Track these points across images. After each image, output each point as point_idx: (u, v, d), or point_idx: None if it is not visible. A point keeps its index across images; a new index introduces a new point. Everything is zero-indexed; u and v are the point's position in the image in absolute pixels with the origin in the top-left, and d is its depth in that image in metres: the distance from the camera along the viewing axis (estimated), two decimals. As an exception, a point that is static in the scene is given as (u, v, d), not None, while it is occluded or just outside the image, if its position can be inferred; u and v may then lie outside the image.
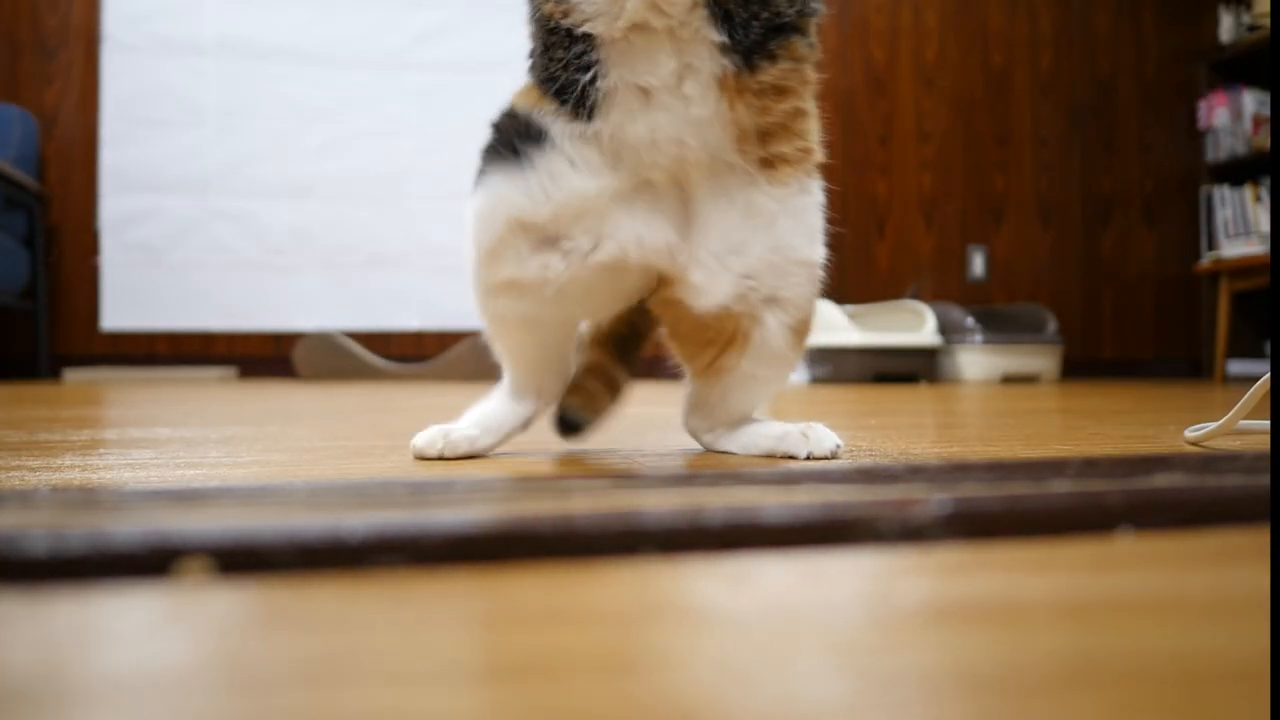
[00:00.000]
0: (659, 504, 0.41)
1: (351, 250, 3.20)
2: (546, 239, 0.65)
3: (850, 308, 3.12)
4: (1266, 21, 3.48)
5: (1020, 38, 3.68)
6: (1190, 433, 0.78)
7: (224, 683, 0.23)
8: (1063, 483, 0.48)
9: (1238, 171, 3.64)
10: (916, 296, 3.39)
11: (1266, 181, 3.48)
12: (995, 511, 0.41)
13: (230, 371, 3.15)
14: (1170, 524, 0.41)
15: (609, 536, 0.36)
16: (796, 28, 0.63)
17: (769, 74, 0.62)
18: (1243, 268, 3.06)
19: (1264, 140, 3.46)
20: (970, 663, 0.24)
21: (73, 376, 2.96)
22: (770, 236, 0.65)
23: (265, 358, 3.18)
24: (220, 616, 0.28)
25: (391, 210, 3.21)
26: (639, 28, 0.60)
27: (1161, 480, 0.48)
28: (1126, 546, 0.38)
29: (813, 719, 0.20)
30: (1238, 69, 3.68)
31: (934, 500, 0.40)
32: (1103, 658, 0.24)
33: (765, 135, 0.64)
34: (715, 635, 0.26)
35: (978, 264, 3.63)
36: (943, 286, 3.58)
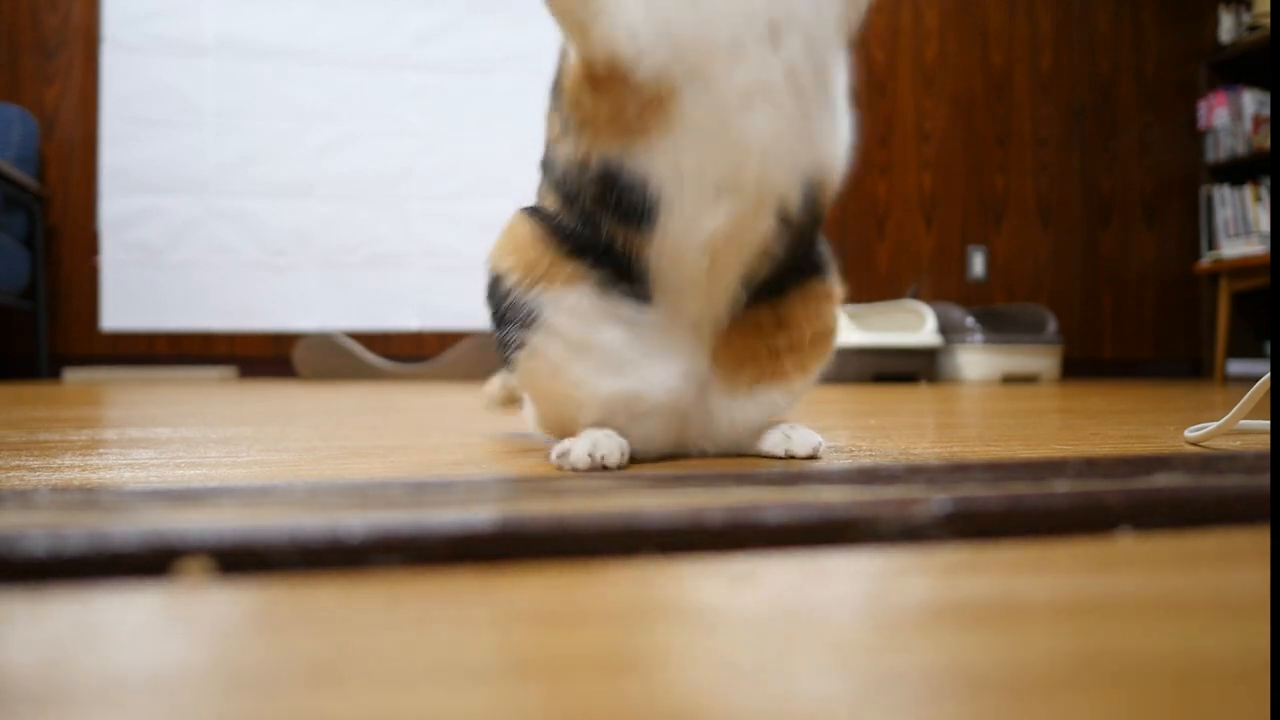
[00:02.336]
0: (659, 504, 0.41)
1: (351, 250, 3.20)
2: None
3: (850, 308, 3.12)
4: (1266, 21, 3.48)
5: (1020, 38, 3.68)
6: (1190, 433, 0.78)
7: (224, 683, 0.23)
8: (1063, 483, 0.48)
9: (1238, 171, 3.64)
10: (916, 296, 3.39)
11: (1266, 181, 3.48)
12: (995, 511, 0.41)
13: (230, 371, 3.15)
14: (1170, 524, 0.41)
15: (609, 536, 0.36)
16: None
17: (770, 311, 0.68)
18: (1243, 268, 3.06)
19: (1264, 140, 3.46)
20: (970, 663, 0.24)
21: (73, 376, 2.97)
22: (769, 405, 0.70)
23: (265, 358, 3.18)
24: (220, 616, 0.28)
25: (391, 210, 3.22)
26: (693, 280, 0.64)
27: (1161, 480, 0.48)
28: (1126, 546, 0.38)
29: (813, 719, 0.20)
30: (1238, 69, 3.68)
31: (934, 500, 0.40)
32: (1103, 658, 0.24)
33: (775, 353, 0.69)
34: (715, 635, 0.26)
35: (978, 264, 3.63)
36: (943, 286, 3.59)
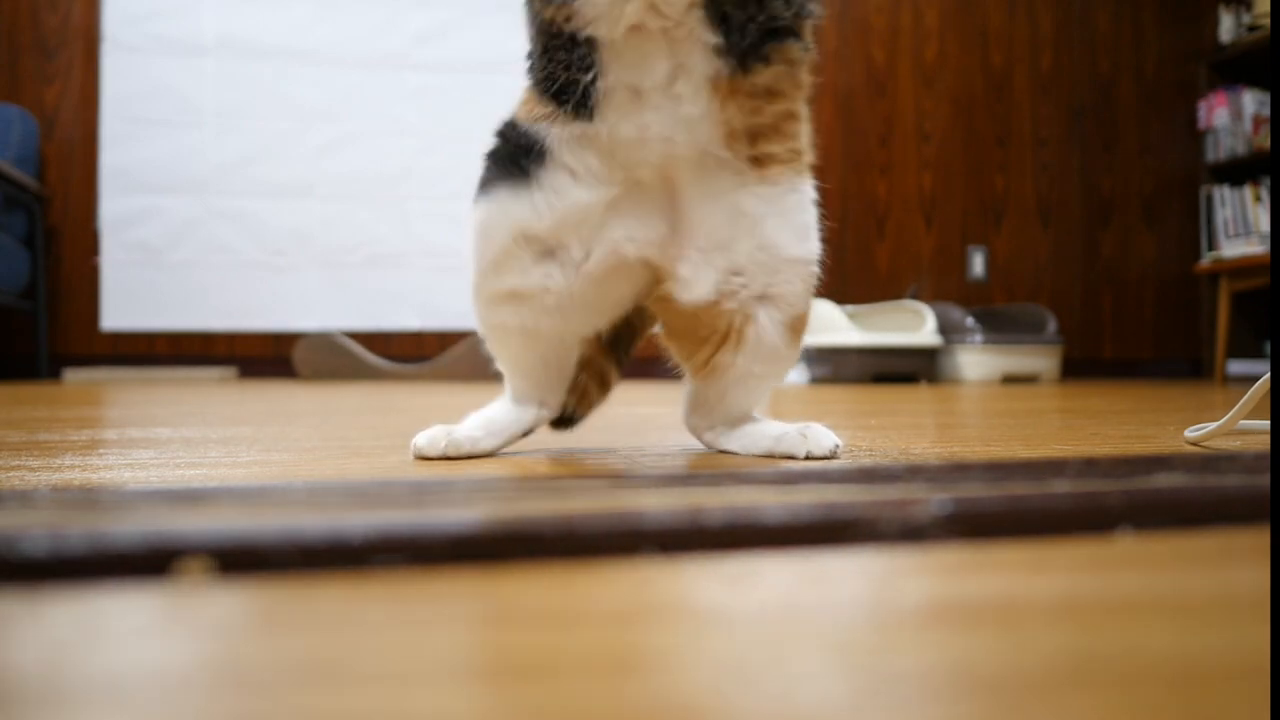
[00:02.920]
0: (659, 504, 0.41)
1: (351, 250, 3.20)
2: (547, 250, 0.66)
3: (850, 308, 3.12)
4: (1266, 21, 3.48)
5: (1020, 38, 3.68)
6: (1190, 433, 0.78)
7: (224, 683, 0.23)
8: (1063, 483, 0.48)
9: (1238, 171, 3.64)
10: (916, 296, 3.39)
11: (1266, 181, 3.48)
12: (995, 511, 0.41)
13: (230, 371, 3.15)
14: (1170, 524, 0.41)
15: (609, 536, 0.36)
16: (792, 31, 0.63)
17: (762, 76, 0.63)
18: (1243, 268, 3.06)
19: (1264, 140, 3.46)
20: (970, 663, 0.24)
21: (73, 376, 2.97)
22: (758, 234, 0.66)
23: (265, 358, 3.18)
24: (220, 616, 0.28)
25: (391, 210, 3.22)
26: (636, 29, 0.60)
27: (1161, 480, 0.48)
28: (1126, 546, 0.38)
29: (813, 719, 0.20)
30: (1238, 69, 3.68)
31: (934, 500, 0.40)
32: (1103, 658, 0.24)
33: (755, 135, 0.64)
34: (715, 635, 0.26)
35: (978, 264, 3.63)
36: (943, 286, 3.59)
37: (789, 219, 0.66)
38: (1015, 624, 0.27)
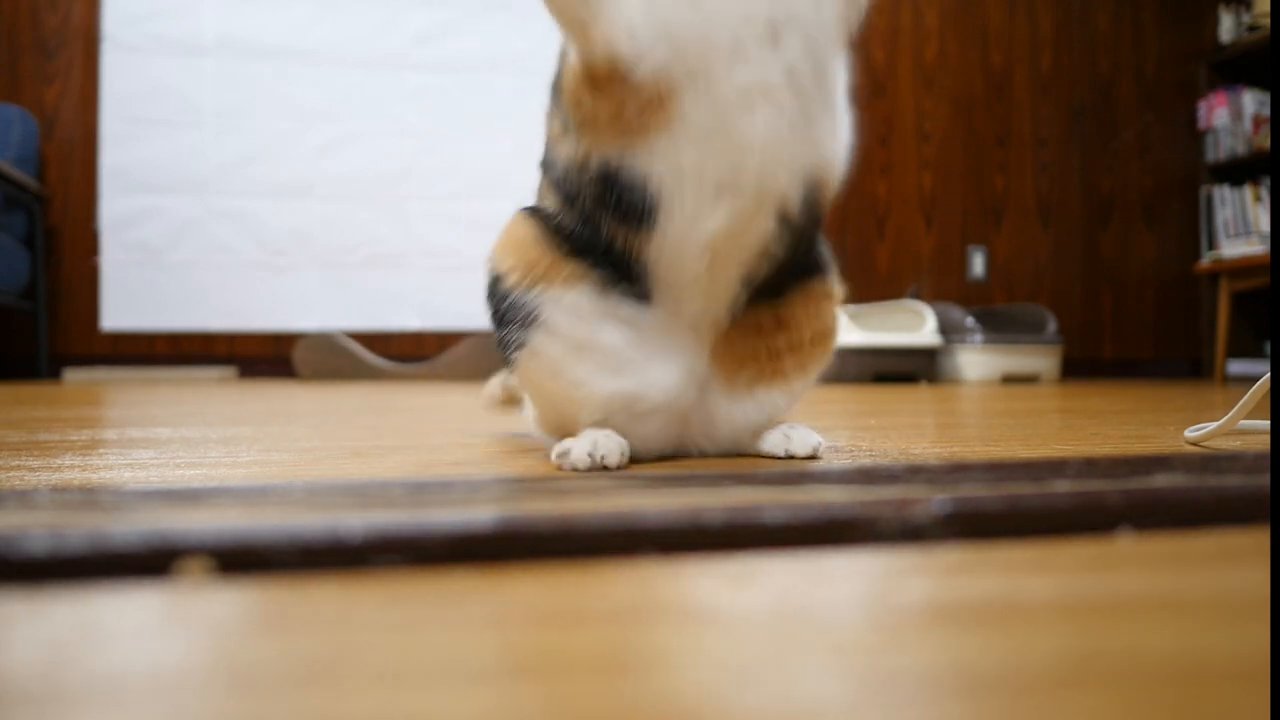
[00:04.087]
0: (659, 504, 0.41)
1: (351, 250, 3.20)
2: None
3: (850, 308, 3.12)
4: (1266, 21, 3.48)
5: (1020, 38, 3.68)
6: (1190, 433, 0.78)
7: (224, 683, 0.23)
8: (1063, 483, 0.48)
9: (1238, 171, 3.64)
10: (916, 296, 3.39)
11: (1266, 181, 3.48)
12: (995, 511, 0.41)
13: (230, 371, 3.15)
14: (1170, 524, 0.41)
15: (609, 536, 0.36)
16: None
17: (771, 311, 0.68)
18: (1243, 268, 3.06)
19: (1264, 140, 3.46)
20: (970, 663, 0.24)
21: (73, 376, 2.97)
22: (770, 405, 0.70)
23: (265, 358, 3.18)
24: (220, 616, 0.28)
25: (391, 210, 3.22)
26: (693, 281, 0.64)
27: (1161, 480, 0.48)
28: (1126, 546, 0.38)
29: (813, 719, 0.20)
30: (1238, 69, 3.68)
31: (934, 500, 0.40)
32: (1103, 658, 0.24)
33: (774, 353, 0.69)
34: (715, 635, 0.26)
35: (978, 264, 3.63)
36: (943, 286, 3.59)
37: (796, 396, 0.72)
38: (1015, 624, 0.27)
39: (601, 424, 0.65)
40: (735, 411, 0.69)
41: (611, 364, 0.63)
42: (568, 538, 0.36)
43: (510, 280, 0.63)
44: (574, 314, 0.62)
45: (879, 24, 3.57)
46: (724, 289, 0.64)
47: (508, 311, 0.63)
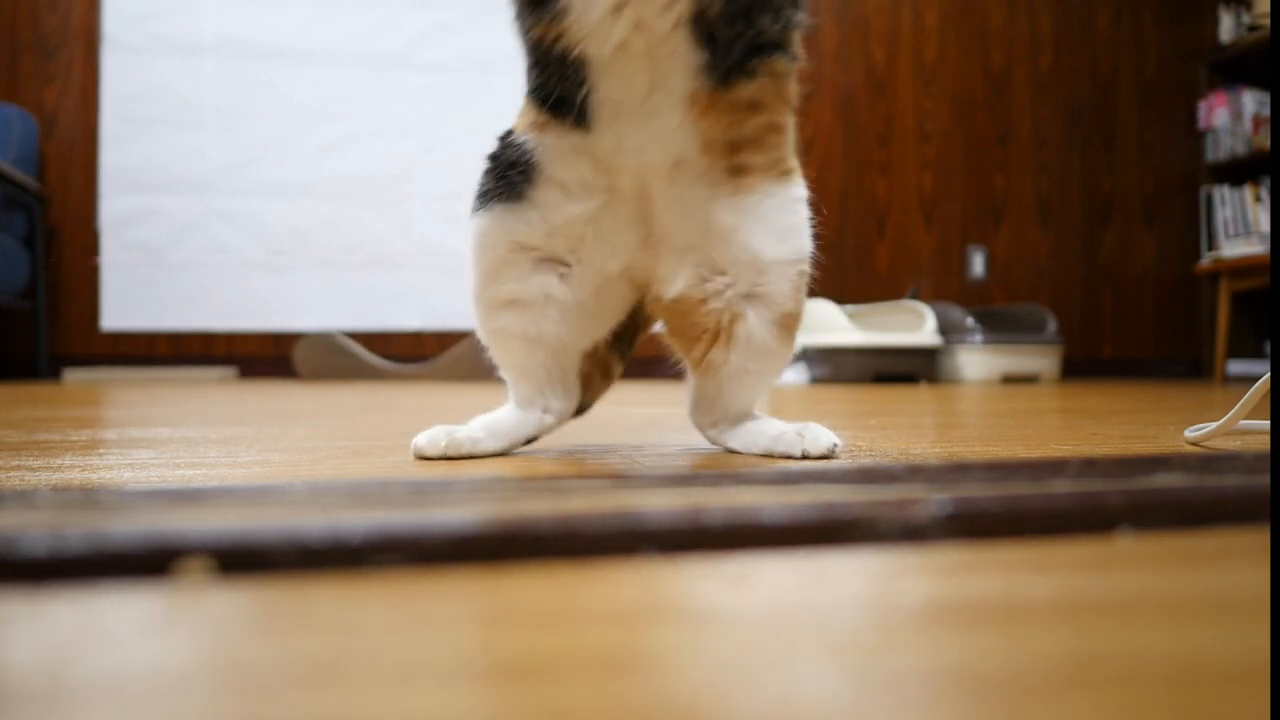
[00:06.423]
0: (659, 504, 0.41)
1: (351, 250, 3.20)
2: (544, 259, 0.68)
3: (850, 308, 3.12)
4: (1266, 21, 3.48)
5: (1020, 38, 3.68)
6: (1190, 433, 0.78)
7: (224, 683, 0.23)
8: (1063, 483, 0.48)
9: (1238, 171, 3.65)
10: (916, 296, 3.39)
11: (1266, 181, 3.48)
12: (995, 511, 0.41)
13: (230, 371, 3.15)
14: (1170, 524, 0.41)
15: (609, 536, 0.36)
16: (779, 44, 0.64)
17: (745, 90, 0.63)
18: (1243, 268, 3.06)
19: (1264, 140, 3.46)
20: (970, 663, 0.24)
21: (73, 376, 2.97)
22: (736, 241, 0.66)
23: (265, 358, 3.18)
24: (220, 616, 0.28)
25: (391, 210, 3.22)
26: (622, 47, 0.60)
27: (1161, 480, 0.48)
28: (1126, 546, 0.38)
29: (812, 719, 0.20)
30: (1238, 69, 3.68)
31: (934, 500, 0.40)
32: (1103, 658, 0.24)
33: (735, 147, 0.65)
34: (715, 635, 0.26)
35: (978, 264, 3.63)
36: (943, 286, 3.59)
37: (768, 223, 0.67)
38: (1015, 624, 0.27)
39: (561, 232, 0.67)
40: (722, 211, 0.66)
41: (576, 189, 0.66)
42: (568, 538, 0.36)
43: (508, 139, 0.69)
44: (550, 151, 0.65)
45: (879, 24, 3.57)
46: (668, 51, 0.60)
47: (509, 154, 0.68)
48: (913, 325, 3.06)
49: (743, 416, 0.74)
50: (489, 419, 0.73)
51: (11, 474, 0.59)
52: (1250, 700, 0.22)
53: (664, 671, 0.24)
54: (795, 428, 0.69)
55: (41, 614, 0.28)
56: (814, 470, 0.56)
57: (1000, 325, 3.16)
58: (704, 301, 0.68)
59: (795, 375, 3.00)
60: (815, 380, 2.97)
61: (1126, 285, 3.77)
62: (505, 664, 0.24)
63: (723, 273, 0.67)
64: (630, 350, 0.81)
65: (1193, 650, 0.25)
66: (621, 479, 0.53)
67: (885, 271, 3.56)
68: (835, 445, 0.68)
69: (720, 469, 0.61)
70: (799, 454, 0.67)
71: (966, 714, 0.21)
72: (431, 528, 0.35)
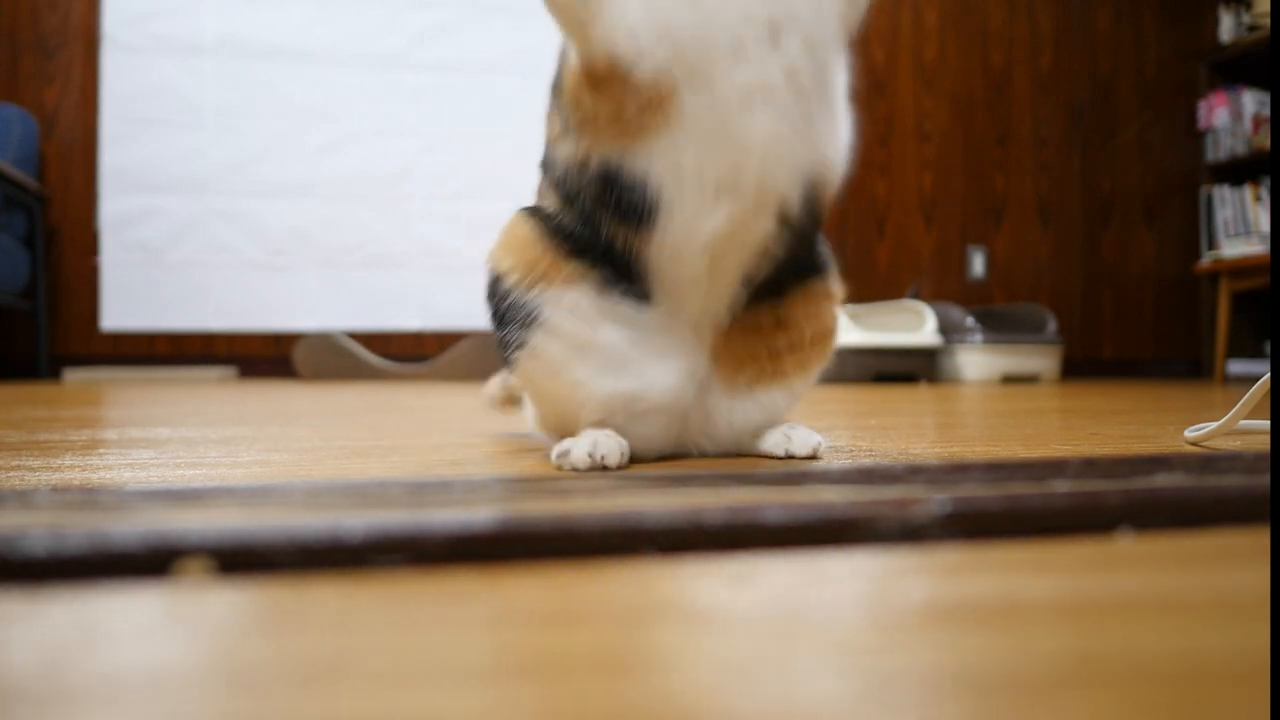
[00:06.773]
0: (659, 504, 0.41)
1: (351, 250, 3.20)
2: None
3: (850, 308, 3.12)
4: (1266, 21, 3.48)
5: (1020, 38, 3.68)
6: (1190, 433, 0.78)
7: (224, 683, 0.23)
8: (1063, 483, 0.48)
9: (1238, 171, 3.65)
10: (916, 296, 3.39)
11: (1266, 181, 3.48)
12: (995, 511, 0.40)
13: (230, 371, 3.15)
14: (1170, 524, 0.41)
15: (609, 536, 0.36)
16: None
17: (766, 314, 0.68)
18: (1243, 268, 3.06)
19: (1264, 140, 3.46)
20: (970, 663, 0.24)
21: (73, 376, 2.97)
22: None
23: (265, 358, 3.18)
24: (220, 616, 0.28)
25: (391, 210, 3.22)
26: (693, 282, 0.64)
27: (1161, 480, 0.48)
28: (1126, 546, 0.38)
29: (813, 719, 0.20)
30: (1238, 69, 3.68)
31: (934, 500, 0.40)
32: (1103, 658, 0.24)
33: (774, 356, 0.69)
34: (715, 635, 0.26)
35: (978, 264, 3.63)
36: (943, 286, 3.59)
37: (794, 396, 0.71)
38: (1015, 624, 0.27)
39: (601, 424, 0.65)
40: (735, 411, 0.69)
41: (611, 364, 0.63)
42: (568, 538, 0.36)
43: (510, 280, 0.63)
44: (574, 313, 0.62)
45: (879, 24, 3.57)
46: (724, 289, 0.64)
47: (508, 311, 0.64)
48: (913, 325, 3.06)
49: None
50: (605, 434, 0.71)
51: (11, 474, 0.59)
52: (1250, 700, 0.22)
53: (664, 671, 0.24)
54: (782, 428, 0.70)
55: (41, 614, 0.28)
56: (814, 470, 0.56)
57: (1000, 325, 3.16)
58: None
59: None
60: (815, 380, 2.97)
61: (1126, 285, 3.77)
62: (505, 664, 0.24)
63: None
64: None
65: (1193, 650, 0.25)
66: (621, 479, 0.53)
67: (885, 271, 3.56)
68: (820, 445, 0.69)
69: (720, 469, 0.61)
70: (783, 454, 0.68)
71: (966, 714, 0.21)
72: (431, 528, 0.35)
